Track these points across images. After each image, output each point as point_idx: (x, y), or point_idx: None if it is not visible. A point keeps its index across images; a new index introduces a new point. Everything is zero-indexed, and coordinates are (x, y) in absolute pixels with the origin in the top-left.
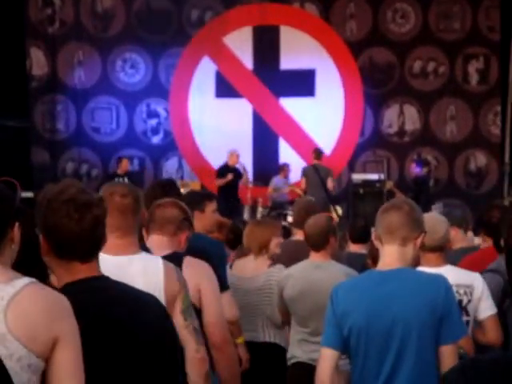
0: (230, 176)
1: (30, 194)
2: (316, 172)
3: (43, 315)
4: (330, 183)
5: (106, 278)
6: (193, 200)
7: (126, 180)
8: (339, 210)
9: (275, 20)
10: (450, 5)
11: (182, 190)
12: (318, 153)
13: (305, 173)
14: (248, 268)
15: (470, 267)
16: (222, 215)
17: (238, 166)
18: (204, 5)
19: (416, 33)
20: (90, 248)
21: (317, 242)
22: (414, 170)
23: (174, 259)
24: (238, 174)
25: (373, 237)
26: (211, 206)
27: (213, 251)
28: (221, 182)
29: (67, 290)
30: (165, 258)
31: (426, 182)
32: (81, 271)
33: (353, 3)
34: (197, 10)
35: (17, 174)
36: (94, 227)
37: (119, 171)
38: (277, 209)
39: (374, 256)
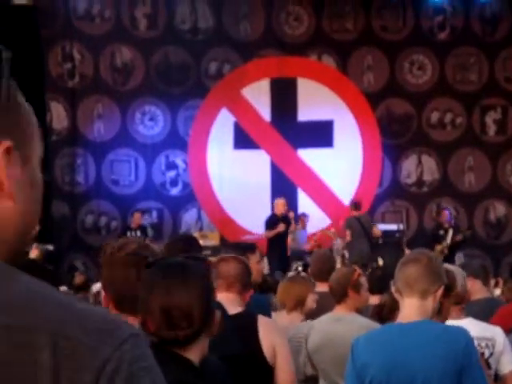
0: (281, 227)
1: (50, 247)
2: (359, 223)
3: None
4: (376, 231)
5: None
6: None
7: (138, 234)
8: (380, 261)
9: (292, 72)
10: (467, 56)
11: (202, 242)
12: (357, 205)
13: (348, 224)
14: (280, 323)
15: (503, 320)
16: (272, 267)
17: (286, 213)
18: (222, 57)
19: (433, 84)
20: None
21: (336, 295)
22: (447, 217)
23: (248, 317)
24: (287, 223)
25: (393, 290)
26: (254, 258)
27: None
28: (271, 233)
29: None
30: (237, 316)
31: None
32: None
33: (370, 55)
34: (215, 63)
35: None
36: None
37: (132, 225)
38: (296, 259)
39: (390, 307)
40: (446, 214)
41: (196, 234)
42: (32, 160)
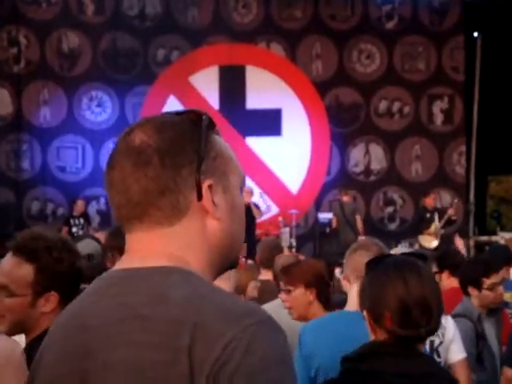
0: None
1: None
2: (341, 209)
3: None
4: (358, 223)
5: None
6: None
7: (81, 221)
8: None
9: (241, 60)
10: (415, 45)
11: None
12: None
13: (333, 208)
14: None
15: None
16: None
17: (254, 202)
18: (170, 44)
19: (381, 73)
20: None
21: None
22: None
23: None
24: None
25: (341, 277)
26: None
27: None
28: None
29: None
30: None
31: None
32: None
33: (318, 43)
34: (163, 50)
35: None
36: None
37: (75, 213)
38: None
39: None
40: (432, 197)
41: None
42: (230, 189)
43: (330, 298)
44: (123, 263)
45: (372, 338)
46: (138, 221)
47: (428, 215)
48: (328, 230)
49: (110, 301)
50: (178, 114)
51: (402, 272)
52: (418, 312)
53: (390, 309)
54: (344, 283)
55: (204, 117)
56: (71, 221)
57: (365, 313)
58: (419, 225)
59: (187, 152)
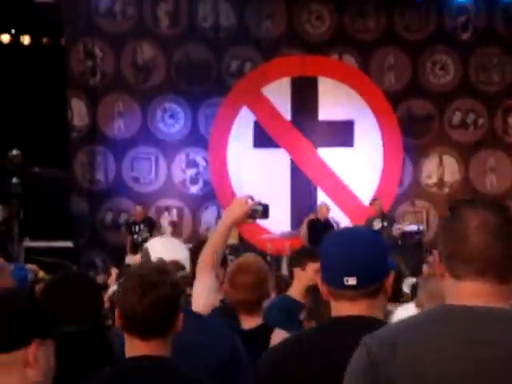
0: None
1: (69, 244)
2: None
3: None
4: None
5: (161, 360)
6: (295, 256)
7: (142, 227)
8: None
9: (314, 71)
10: (490, 57)
11: None
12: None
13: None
14: None
15: None
16: None
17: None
18: (243, 56)
19: (455, 84)
20: (149, 326)
21: None
22: None
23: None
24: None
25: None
26: (314, 266)
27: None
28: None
29: (115, 366)
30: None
31: None
32: (139, 348)
33: (392, 55)
34: (236, 61)
35: (56, 224)
36: (154, 306)
37: (135, 219)
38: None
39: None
40: None
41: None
42: None
43: None
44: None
45: None
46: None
47: None
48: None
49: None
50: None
51: None
52: None
53: None
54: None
55: None
56: (132, 228)
57: None
58: None
59: None
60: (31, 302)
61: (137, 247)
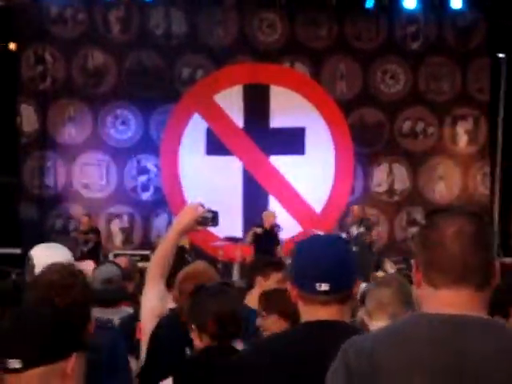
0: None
1: (18, 251)
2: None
3: None
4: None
5: None
6: (258, 264)
7: (90, 235)
8: None
9: (265, 79)
10: (440, 66)
11: None
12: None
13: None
14: None
15: None
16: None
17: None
18: (195, 63)
19: (405, 93)
20: None
21: None
22: None
23: None
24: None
25: (361, 312)
26: (277, 276)
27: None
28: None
29: None
30: None
31: None
32: None
33: (343, 63)
34: (188, 68)
35: (5, 230)
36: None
37: (83, 228)
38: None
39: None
40: None
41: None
42: None
43: None
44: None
45: None
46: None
47: None
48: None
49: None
50: None
51: None
52: None
53: None
54: (365, 318)
55: None
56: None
57: None
58: None
59: None
60: (66, 315)
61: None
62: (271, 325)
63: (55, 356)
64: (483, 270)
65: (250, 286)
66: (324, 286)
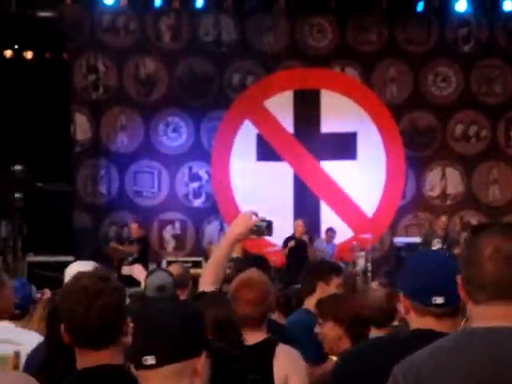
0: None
1: (71, 258)
2: None
3: None
4: None
5: (119, 367)
6: (320, 269)
7: (135, 245)
8: None
9: (316, 84)
10: (492, 69)
11: None
12: None
13: None
14: None
15: None
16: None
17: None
18: (245, 69)
19: (457, 96)
20: (100, 336)
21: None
22: None
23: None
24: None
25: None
26: (337, 281)
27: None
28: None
29: (69, 380)
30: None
31: None
32: (94, 359)
33: (394, 67)
34: (238, 75)
35: (59, 238)
36: (102, 315)
37: (131, 235)
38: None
39: None
40: None
41: (216, 246)
42: None
43: (365, 334)
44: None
45: None
46: None
47: None
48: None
49: None
50: None
51: None
52: None
53: None
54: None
55: None
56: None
57: None
58: None
59: None
60: (195, 315)
61: (122, 261)
62: (328, 331)
63: (188, 353)
64: None
65: (312, 289)
66: (439, 300)
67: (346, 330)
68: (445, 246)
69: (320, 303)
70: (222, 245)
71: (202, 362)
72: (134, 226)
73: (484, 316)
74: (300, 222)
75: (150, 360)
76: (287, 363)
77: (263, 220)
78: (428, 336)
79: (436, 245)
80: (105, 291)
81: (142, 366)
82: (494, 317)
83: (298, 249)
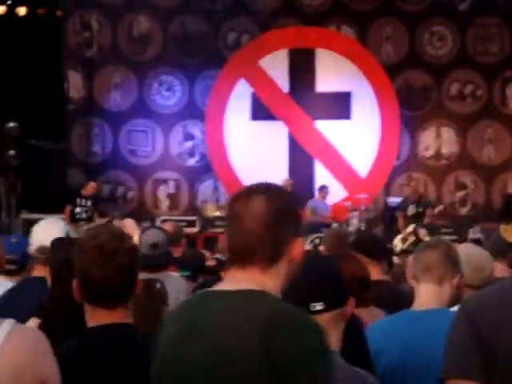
0: None
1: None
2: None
3: (29, 361)
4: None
5: (128, 327)
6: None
7: (88, 203)
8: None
9: (311, 43)
10: (488, 27)
11: (218, 213)
12: None
13: None
14: None
15: None
16: None
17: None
18: (240, 28)
19: (453, 55)
20: (114, 295)
21: None
22: None
23: None
24: None
25: (408, 275)
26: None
27: None
28: None
29: (82, 336)
30: None
31: None
32: (104, 318)
33: (389, 26)
34: (233, 33)
35: (53, 196)
36: (117, 275)
37: (84, 193)
38: (313, 232)
39: None
40: None
41: (212, 206)
42: None
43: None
44: None
45: None
46: None
47: None
48: (398, 213)
49: None
50: None
51: None
52: None
53: None
54: (412, 282)
55: None
56: (77, 200)
57: None
58: (503, 213)
59: None
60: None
61: (76, 220)
62: None
63: (344, 300)
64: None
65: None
66: None
67: None
68: (420, 209)
69: None
70: None
71: (351, 308)
72: (92, 185)
73: None
74: (288, 182)
75: (318, 306)
76: None
77: None
78: None
79: (411, 210)
80: (120, 251)
81: (310, 312)
82: None
83: None
